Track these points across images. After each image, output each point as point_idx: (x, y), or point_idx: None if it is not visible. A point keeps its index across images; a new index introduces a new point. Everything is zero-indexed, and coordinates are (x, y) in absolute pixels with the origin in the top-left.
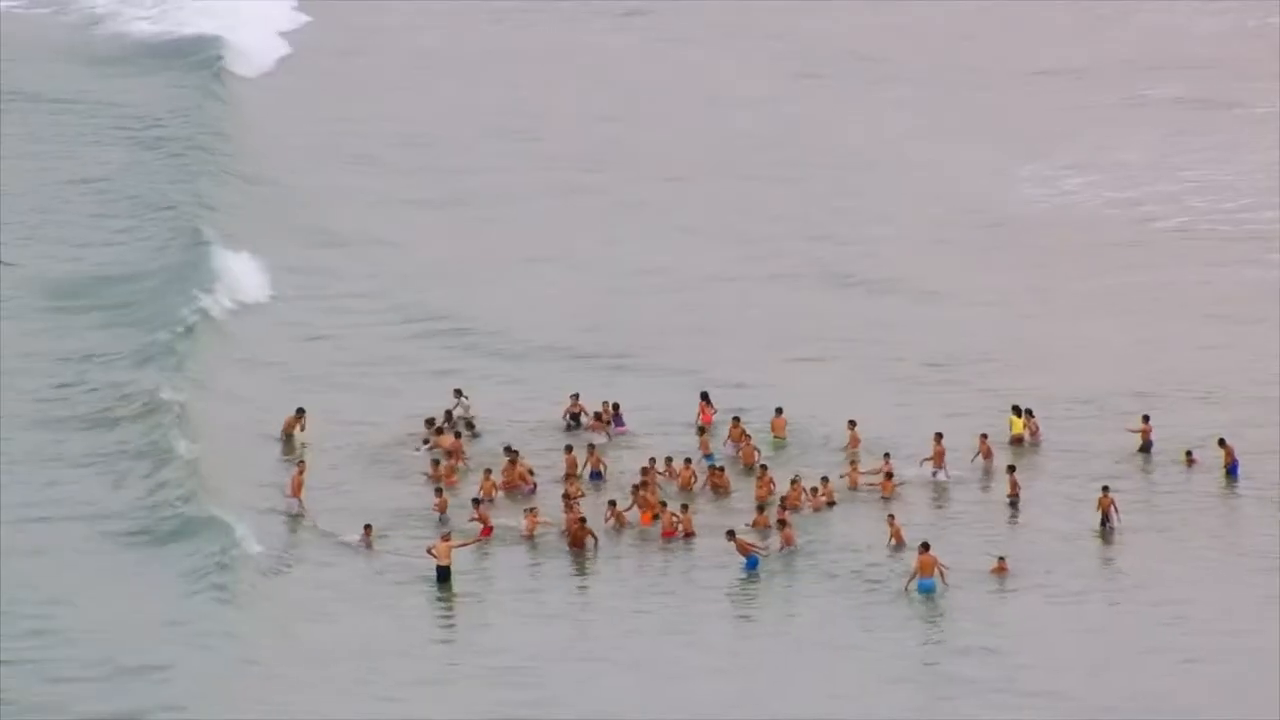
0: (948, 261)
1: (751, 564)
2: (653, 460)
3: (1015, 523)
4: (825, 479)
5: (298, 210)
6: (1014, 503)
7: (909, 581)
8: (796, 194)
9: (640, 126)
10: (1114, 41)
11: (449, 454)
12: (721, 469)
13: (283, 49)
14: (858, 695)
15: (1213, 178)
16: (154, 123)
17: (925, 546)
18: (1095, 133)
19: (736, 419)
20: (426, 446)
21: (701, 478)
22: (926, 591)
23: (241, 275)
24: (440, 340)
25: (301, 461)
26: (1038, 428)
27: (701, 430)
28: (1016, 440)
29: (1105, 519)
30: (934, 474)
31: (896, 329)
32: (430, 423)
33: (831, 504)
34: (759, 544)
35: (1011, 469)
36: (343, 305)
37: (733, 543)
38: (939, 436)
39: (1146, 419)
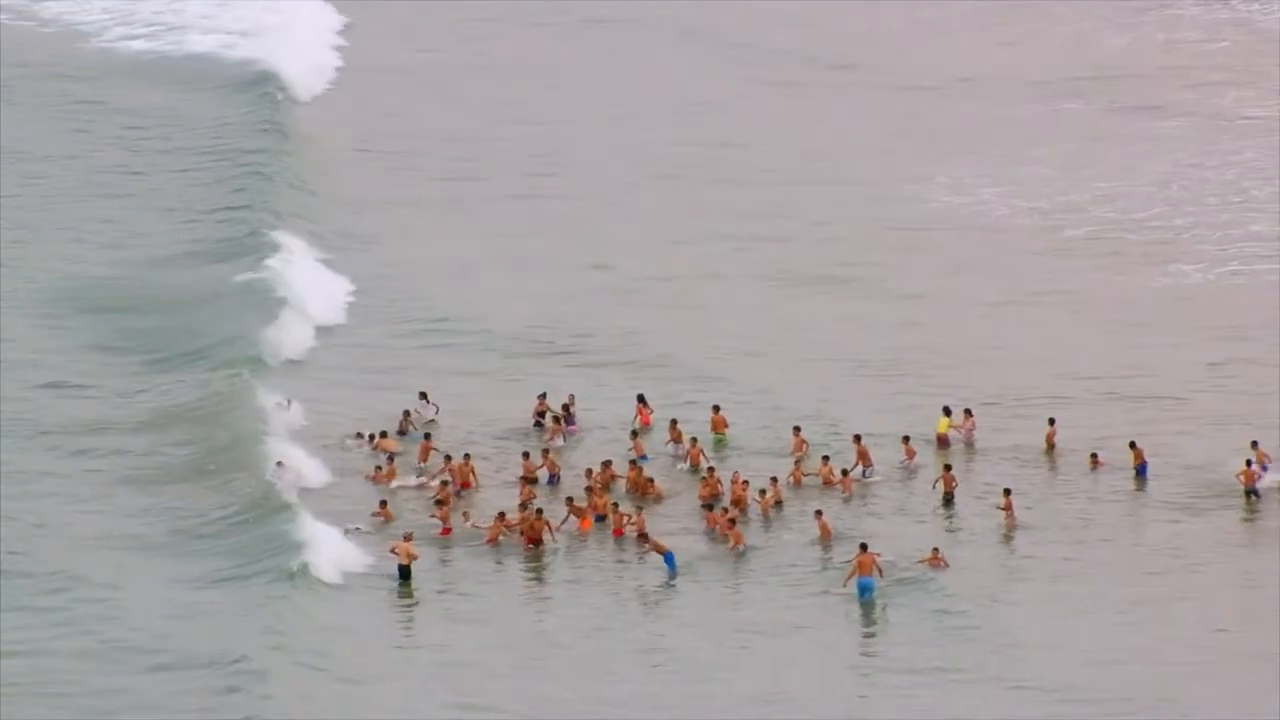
0: (866, 265)
1: (669, 561)
2: (604, 463)
3: (949, 519)
4: (775, 479)
5: (308, 213)
6: (949, 500)
7: (848, 579)
8: (737, 197)
9: (595, 133)
10: (1032, 54)
11: (391, 457)
12: (651, 479)
13: (322, 67)
14: (794, 690)
15: (1120, 188)
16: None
17: (864, 546)
18: (1011, 142)
19: (674, 421)
20: (362, 443)
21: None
22: (865, 589)
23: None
24: (427, 340)
25: (279, 461)
26: (974, 427)
27: (635, 434)
28: (941, 440)
29: (1007, 518)
30: (864, 474)
31: (815, 330)
32: (359, 435)
33: (779, 503)
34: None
35: (948, 467)
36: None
37: (646, 545)
38: (858, 438)
39: (1052, 421)
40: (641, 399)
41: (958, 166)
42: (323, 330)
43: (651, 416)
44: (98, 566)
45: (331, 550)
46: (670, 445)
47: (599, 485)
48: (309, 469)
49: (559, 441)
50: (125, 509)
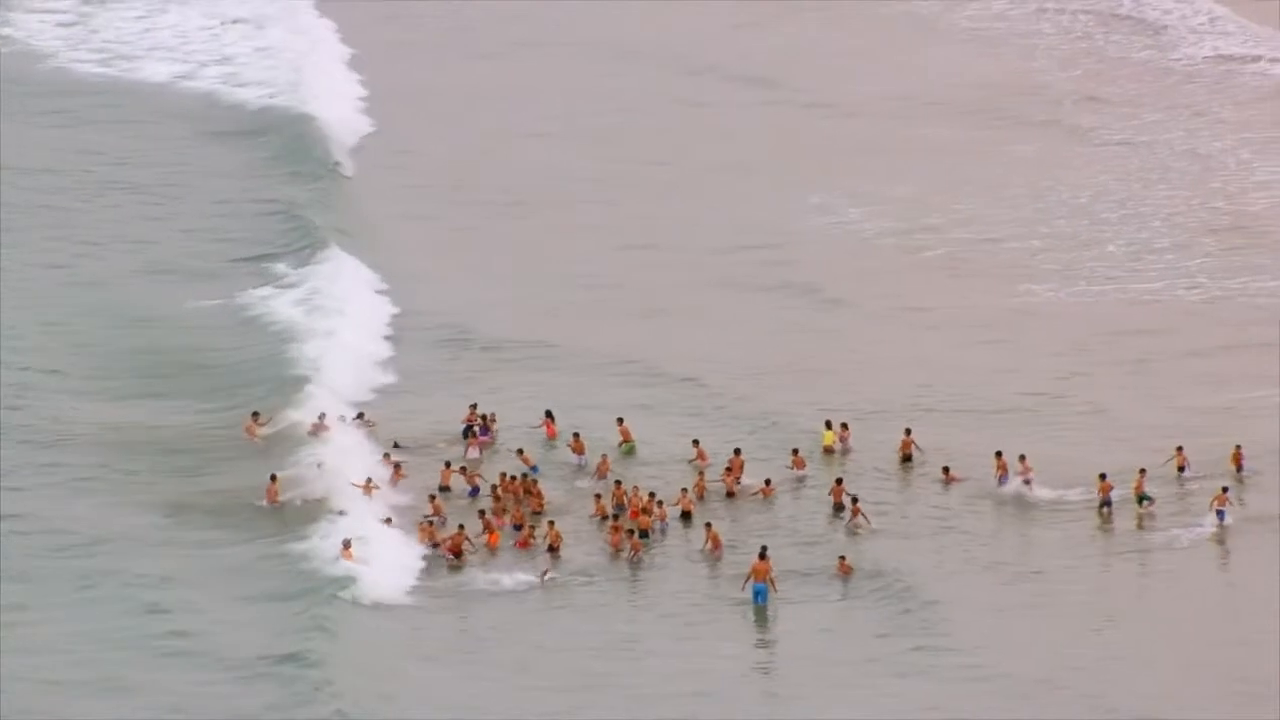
0: (738, 283)
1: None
2: (514, 477)
3: (837, 527)
4: (685, 490)
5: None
6: (839, 509)
7: (745, 583)
8: (645, 209)
9: (514, 150)
10: (900, 80)
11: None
12: (532, 488)
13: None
14: (697, 687)
15: (977, 210)
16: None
17: (762, 554)
18: (878, 163)
19: (576, 434)
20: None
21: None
22: (759, 594)
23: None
24: (412, 344)
25: (274, 475)
26: (848, 437)
27: (520, 451)
28: (827, 450)
29: (853, 522)
30: (737, 482)
31: (680, 348)
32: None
33: (686, 514)
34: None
35: (839, 480)
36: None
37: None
38: (738, 451)
39: (908, 432)
40: (549, 414)
41: (830, 186)
42: (327, 339)
43: (557, 430)
44: (154, 567)
45: (383, 554)
46: (575, 457)
47: (498, 497)
48: (355, 474)
49: (474, 453)
50: (182, 514)
